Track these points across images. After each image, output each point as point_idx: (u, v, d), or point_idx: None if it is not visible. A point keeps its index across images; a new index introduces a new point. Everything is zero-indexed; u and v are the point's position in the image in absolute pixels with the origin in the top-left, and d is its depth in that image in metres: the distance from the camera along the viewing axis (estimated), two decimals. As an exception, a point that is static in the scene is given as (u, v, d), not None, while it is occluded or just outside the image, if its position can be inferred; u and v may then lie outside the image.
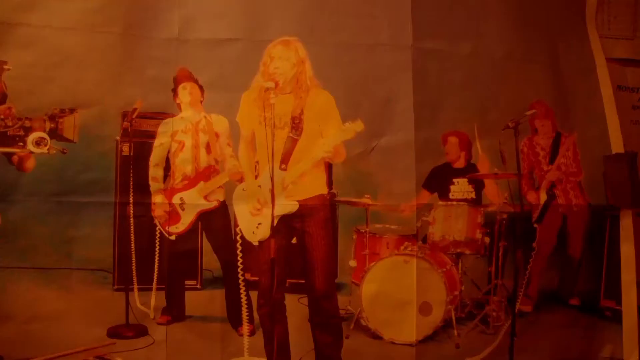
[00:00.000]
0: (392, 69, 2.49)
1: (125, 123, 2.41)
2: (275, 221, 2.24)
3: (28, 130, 2.30)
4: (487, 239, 2.58)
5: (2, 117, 2.28)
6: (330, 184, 2.44)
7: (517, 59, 2.61)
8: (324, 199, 2.36)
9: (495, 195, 2.59)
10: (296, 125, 2.32)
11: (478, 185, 2.61)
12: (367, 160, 2.46)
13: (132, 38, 2.40)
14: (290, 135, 2.32)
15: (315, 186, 2.36)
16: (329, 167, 2.44)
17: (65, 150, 2.34)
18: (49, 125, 2.32)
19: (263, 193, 2.32)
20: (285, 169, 2.32)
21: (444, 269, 2.51)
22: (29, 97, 2.33)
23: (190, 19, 2.42)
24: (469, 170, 2.60)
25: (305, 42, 2.36)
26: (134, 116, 2.40)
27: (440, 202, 2.57)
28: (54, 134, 2.33)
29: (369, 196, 2.49)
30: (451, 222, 2.57)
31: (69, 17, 2.36)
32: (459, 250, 2.59)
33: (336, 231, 2.52)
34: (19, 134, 2.30)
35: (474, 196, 2.59)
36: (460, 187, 2.59)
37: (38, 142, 2.30)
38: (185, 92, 2.44)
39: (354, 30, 2.49)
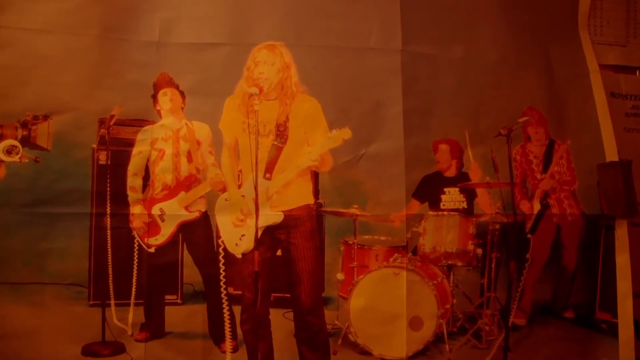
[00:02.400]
0: (381, 74, 2.51)
1: (102, 130, 2.40)
2: (260, 232, 2.26)
3: None
4: (479, 251, 2.59)
5: (-28, 124, 2.26)
6: (316, 193, 2.46)
7: (510, 65, 2.65)
8: (310, 209, 2.38)
9: (487, 205, 2.60)
10: (281, 132, 2.34)
11: (470, 194, 2.62)
12: (355, 169, 2.48)
13: (110, 41, 2.40)
14: (275, 143, 2.34)
15: (301, 196, 2.38)
16: (315, 176, 2.45)
17: (38, 159, 2.33)
18: (20, 132, 2.31)
19: (246, 203, 2.34)
20: (269, 178, 2.34)
21: (435, 282, 2.52)
22: (0, 103, 2.32)
23: (172, 22, 2.44)
24: (461, 179, 2.61)
25: (291, 46, 2.40)
26: (111, 123, 2.40)
27: (431, 212, 2.58)
28: (27, 141, 2.32)
29: (357, 206, 2.49)
30: (442, 233, 2.58)
31: (43, 19, 2.36)
32: (450, 262, 2.59)
33: (323, 243, 2.53)
34: None
35: (465, 206, 2.60)
36: (452, 197, 2.59)
37: (9, 151, 2.29)
38: (166, 99, 2.44)
39: (342, 34, 2.52)
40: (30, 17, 2.34)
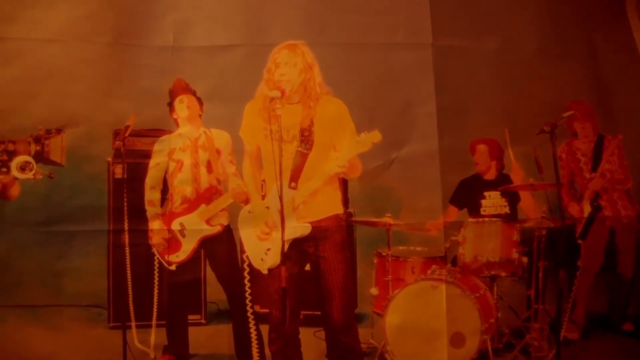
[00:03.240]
0: (411, 71, 2.48)
1: (117, 142, 2.40)
2: (286, 246, 2.20)
3: (12, 155, 2.30)
4: (524, 259, 2.51)
5: (-17, 141, 2.28)
6: (346, 202, 2.42)
7: (550, 55, 2.58)
8: (340, 219, 2.33)
9: (532, 209, 2.54)
10: (306, 138, 2.28)
11: (512, 198, 2.57)
12: (387, 175, 2.45)
13: (123, 47, 2.40)
14: (300, 149, 2.29)
15: (329, 205, 2.32)
16: (344, 183, 2.41)
17: (52, 175, 2.33)
18: (34, 147, 2.32)
19: (271, 215, 2.29)
20: (295, 188, 2.28)
21: (477, 295, 2.44)
22: (11, 117, 2.34)
23: (186, 25, 2.43)
24: (502, 182, 2.56)
25: (313, 45, 2.34)
26: (126, 134, 2.40)
27: (471, 219, 2.53)
28: (40, 157, 2.32)
29: (390, 215, 2.44)
30: (484, 241, 2.51)
31: (53, 28, 2.37)
32: (493, 273, 2.52)
33: (354, 255, 2.50)
34: (2, 158, 2.30)
35: (508, 211, 2.55)
36: (493, 201, 2.55)
37: (23, 167, 2.29)
38: (183, 106, 2.43)
39: (367, 29, 2.48)
40: (39, 27, 2.36)
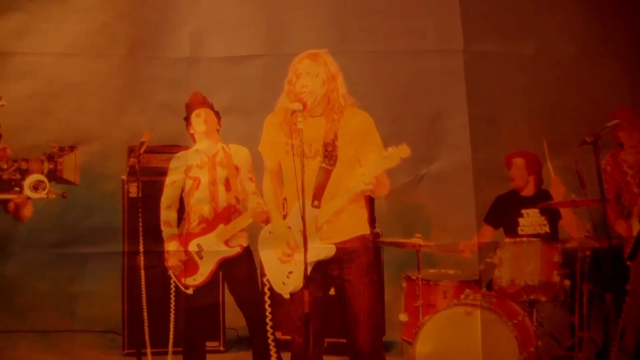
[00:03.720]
0: (441, 79, 2.45)
1: (131, 159, 2.41)
2: (309, 269, 2.15)
3: (25, 173, 2.31)
4: (567, 282, 2.46)
5: (-3, 159, 2.31)
6: (372, 222, 2.38)
7: (592, 58, 2.56)
8: (366, 240, 2.28)
9: (574, 227, 2.47)
10: (329, 153, 2.24)
11: (553, 216, 2.52)
12: (416, 192, 2.43)
13: (138, 60, 2.43)
14: (323, 165, 2.25)
15: (355, 225, 2.27)
16: (370, 201, 2.36)
17: (65, 194, 2.34)
18: (47, 166, 2.32)
19: (293, 235, 2.25)
20: (318, 206, 2.23)
21: (515, 321, 2.37)
22: (24, 134, 2.36)
23: (202, 35, 2.45)
24: (541, 198, 2.51)
25: (336, 54, 2.31)
26: (141, 151, 2.41)
27: (508, 239, 2.49)
28: (53, 175, 2.33)
29: (419, 235, 2.41)
30: (522, 263, 2.45)
31: (67, 42, 2.41)
32: (532, 297, 2.46)
33: (382, 279, 2.46)
34: (14, 177, 2.30)
35: (548, 230, 2.50)
36: (531, 220, 2.49)
37: (36, 186, 2.29)
38: (200, 120, 2.42)
39: (393, 35, 2.47)
40: (53, 42, 2.40)
